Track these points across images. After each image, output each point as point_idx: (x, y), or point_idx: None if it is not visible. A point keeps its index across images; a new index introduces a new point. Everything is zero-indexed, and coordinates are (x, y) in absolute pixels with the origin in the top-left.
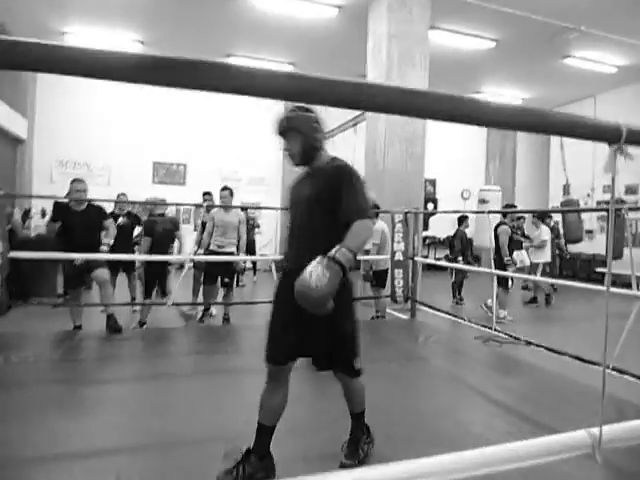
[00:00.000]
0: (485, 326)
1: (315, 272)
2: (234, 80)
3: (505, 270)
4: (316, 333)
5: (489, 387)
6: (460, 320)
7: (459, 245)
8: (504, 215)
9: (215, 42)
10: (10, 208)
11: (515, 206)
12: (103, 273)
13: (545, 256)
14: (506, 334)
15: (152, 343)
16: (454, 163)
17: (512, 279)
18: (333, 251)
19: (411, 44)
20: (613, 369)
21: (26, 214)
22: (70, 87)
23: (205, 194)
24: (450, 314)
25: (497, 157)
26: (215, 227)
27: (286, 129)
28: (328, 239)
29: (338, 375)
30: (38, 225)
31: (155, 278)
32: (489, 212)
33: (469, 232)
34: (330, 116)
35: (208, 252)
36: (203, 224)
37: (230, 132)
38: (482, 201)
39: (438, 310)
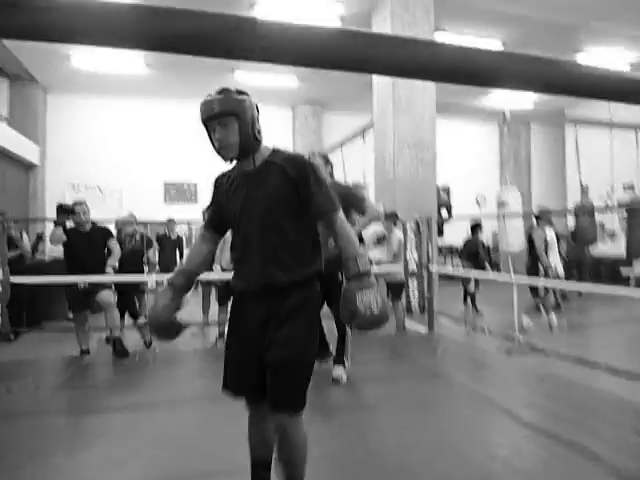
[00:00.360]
0: (508, 337)
1: (369, 299)
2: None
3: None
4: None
5: (515, 404)
6: (481, 331)
7: (469, 253)
8: (538, 219)
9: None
10: (16, 232)
11: (550, 212)
12: (108, 296)
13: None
14: (533, 345)
15: (159, 367)
16: (467, 169)
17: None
18: (358, 267)
19: None
20: None
21: (39, 238)
22: (79, 110)
23: None
24: (470, 325)
25: (511, 161)
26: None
27: (221, 113)
28: (299, 245)
29: (277, 416)
30: (52, 249)
31: (124, 300)
32: (504, 216)
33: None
34: (334, 125)
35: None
36: None
37: None
38: (501, 204)
39: (457, 321)
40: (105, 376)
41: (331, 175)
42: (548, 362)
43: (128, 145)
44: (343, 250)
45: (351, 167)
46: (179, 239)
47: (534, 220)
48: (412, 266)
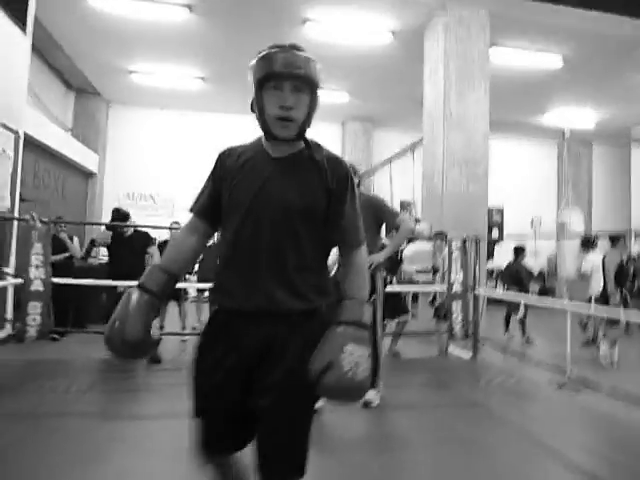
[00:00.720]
0: (559, 369)
1: (357, 357)
2: None
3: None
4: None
5: (565, 445)
6: (530, 361)
7: (511, 277)
8: (613, 241)
9: None
10: (64, 234)
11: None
12: None
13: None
14: (587, 380)
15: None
16: (522, 189)
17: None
18: (362, 314)
19: (469, 64)
20: None
21: (92, 243)
22: (137, 123)
23: None
24: (518, 353)
25: (570, 182)
26: None
27: (305, 77)
28: (317, 265)
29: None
30: (105, 254)
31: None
32: (563, 238)
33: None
34: (383, 142)
35: None
36: None
37: None
38: (561, 225)
39: (504, 349)
40: (135, 381)
41: (357, 186)
42: (604, 400)
43: (181, 156)
44: (351, 288)
45: (400, 184)
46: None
47: (608, 242)
48: (457, 287)
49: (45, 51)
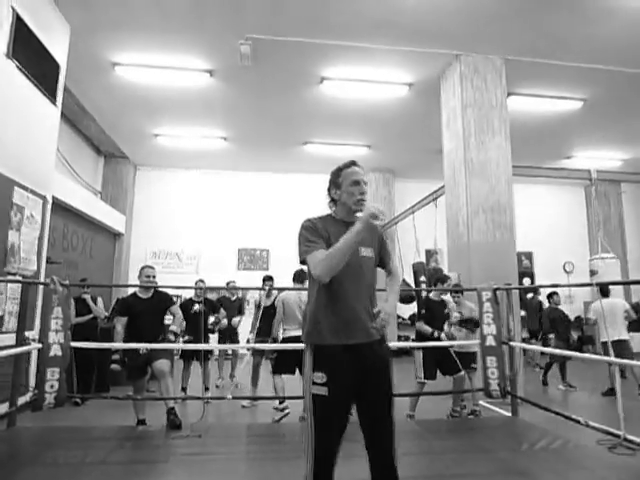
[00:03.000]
0: (610, 432)
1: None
2: None
3: None
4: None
5: None
6: (577, 419)
7: (548, 322)
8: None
9: (293, 132)
10: (87, 295)
11: None
12: (162, 364)
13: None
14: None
15: (208, 443)
16: (552, 235)
17: None
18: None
19: (487, 111)
20: None
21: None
22: (163, 183)
23: (266, 279)
24: (563, 415)
25: (601, 225)
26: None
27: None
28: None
29: None
30: None
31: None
32: (597, 284)
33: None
34: (405, 192)
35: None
36: (258, 307)
37: (311, 215)
38: (592, 272)
39: (546, 409)
40: (154, 450)
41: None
42: None
43: (205, 214)
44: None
45: (423, 233)
46: (238, 300)
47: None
48: (490, 341)
49: (76, 119)
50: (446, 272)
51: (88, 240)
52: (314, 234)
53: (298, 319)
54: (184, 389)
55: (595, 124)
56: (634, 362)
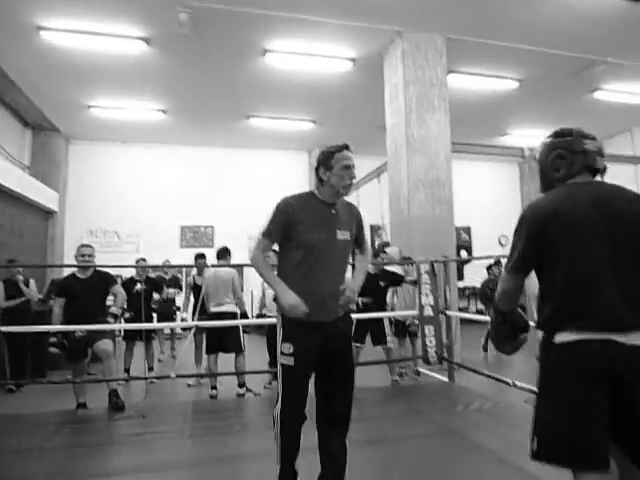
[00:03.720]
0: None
1: None
2: None
3: None
4: None
5: (549, 474)
6: (507, 380)
7: (484, 294)
8: None
9: (236, 105)
10: (20, 276)
11: None
12: (106, 344)
13: None
14: None
15: (153, 423)
16: (489, 209)
17: None
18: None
19: (428, 88)
20: None
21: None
22: (98, 158)
23: (198, 257)
24: (494, 377)
25: (531, 199)
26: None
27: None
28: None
29: None
30: None
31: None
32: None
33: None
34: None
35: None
36: (192, 286)
37: (256, 191)
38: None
39: (480, 373)
40: (98, 433)
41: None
42: None
43: (145, 190)
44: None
45: (368, 208)
46: (174, 278)
47: None
48: (428, 311)
49: None
50: (390, 248)
51: (17, 219)
52: (279, 224)
53: (226, 296)
54: (127, 370)
55: (530, 104)
56: None
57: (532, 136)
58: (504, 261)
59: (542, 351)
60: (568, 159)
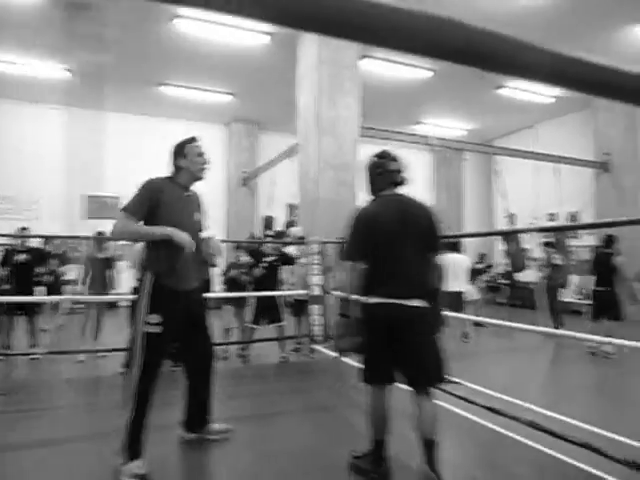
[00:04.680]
0: None
1: None
2: None
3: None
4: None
5: (405, 453)
6: None
7: None
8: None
9: (145, 70)
10: None
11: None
12: None
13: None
14: None
15: (31, 400)
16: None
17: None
18: None
19: (340, 71)
20: None
21: None
22: None
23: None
24: None
25: (444, 187)
26: None
27: None
28: None
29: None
30: None
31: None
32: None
33: None
34: (270, 145)
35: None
36: (89, 259)
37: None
38: None
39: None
40: None
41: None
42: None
43: (47, 155)
44: None
45: (286, 188)
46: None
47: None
48: (316, 291)
49: None
50: (294, 229)
51: None
52: (144, 202)
53: None
54: (8, 347)
55: (443, 95)
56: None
57: (445, 126)
58: None
59: (361, 309)
60: (382, 176)
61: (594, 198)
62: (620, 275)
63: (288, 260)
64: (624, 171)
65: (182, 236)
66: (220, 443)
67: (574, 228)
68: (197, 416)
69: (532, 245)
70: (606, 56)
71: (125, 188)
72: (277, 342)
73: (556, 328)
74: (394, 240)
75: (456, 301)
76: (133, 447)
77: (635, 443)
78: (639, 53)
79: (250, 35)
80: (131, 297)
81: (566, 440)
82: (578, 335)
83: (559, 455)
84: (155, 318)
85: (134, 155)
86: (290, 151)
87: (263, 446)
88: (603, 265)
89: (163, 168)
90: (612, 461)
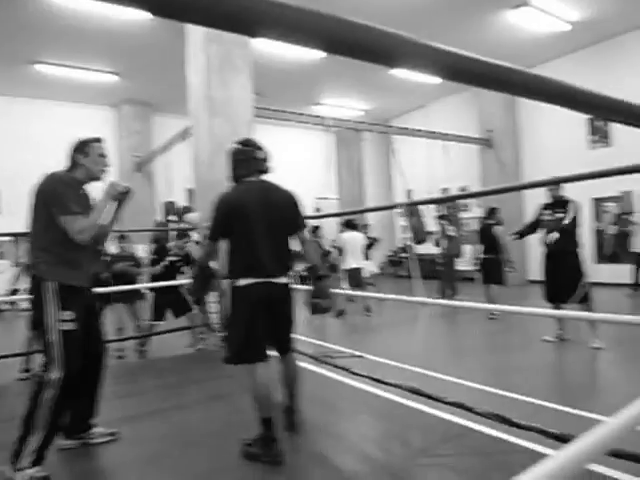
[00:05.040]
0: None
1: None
2: None
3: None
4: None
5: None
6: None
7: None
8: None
9: (15, 46)
10: None
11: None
12: None
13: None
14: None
15: None
16: (306, 176)
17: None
18: None
19: (231, 49)
20: None
21: None
22: None
23: None
24: None
25: (345, 167)
26: None
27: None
28: None
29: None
30: None
31: None
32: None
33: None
34: (166, 127)
35: None
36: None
37: (54, 148)
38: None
39: None
40: None
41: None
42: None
43: None
44: None
45: (183, 171)
46: None
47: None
48: None
49: None
50: (191, 214)
51: None
52: (74, 198)
53: None
54: None
55: (340, 75)
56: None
57: (343, 107)
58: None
59: (231, 291)
60: (248, 163)
61: (480, 173)
62: (500, 243)
63: (191, 262)
64: (505, 147)
65: (120, 184)
66: (104, 447)
67: (460, 198)
68: (79, 421)
69: (428, 219)
70: (482, 41)
71: (4, 178)
72: (190, 332)
73: (452, 296)
74: (258, 223)
75: (355, 277)
76: (40, 451)
77: (502, 392)
78: (512, 37)
79: (131, 9)
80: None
81: (441, 401)
82: (457, 304)
83: (442, 414)
84: (68, 315)
85: (7, 140)
86: (184, 134)
87: (150, 446)
88: (486, 235)
89: (49, 155)
90: (481, 416)
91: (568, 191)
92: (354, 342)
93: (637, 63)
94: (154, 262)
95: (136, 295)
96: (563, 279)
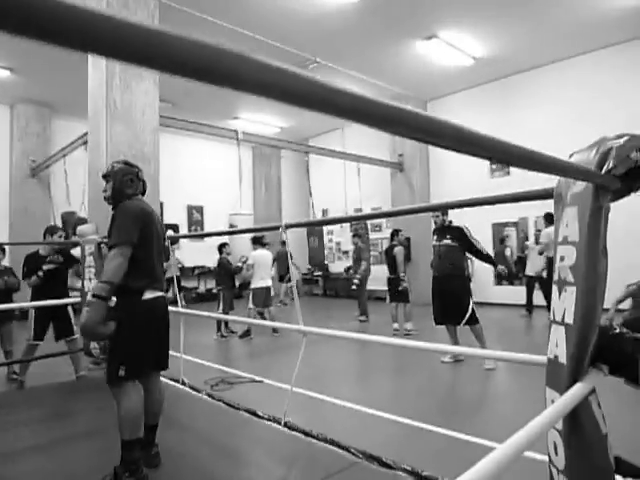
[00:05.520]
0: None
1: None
2: None
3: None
4: None
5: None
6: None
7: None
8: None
9: None
10: None
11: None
12: None
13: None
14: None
15: None
16: (223, 188)
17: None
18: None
19: None
20: None
21: None
22: None
23: None
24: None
25: (263, 182)
26: None
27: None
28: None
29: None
30: None
31: None
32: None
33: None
34: (69, 131)
35: None
36: None
37: None
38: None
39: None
40: None
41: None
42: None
43: None
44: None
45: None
46: None
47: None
48: (89, 297)
49: None
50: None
51: None
52: None
53: None
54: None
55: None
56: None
57: (261, 122)
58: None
59: (130, 305)
60: (135, 182)
61: (391, 195)
62: (397, 263)
63: (72, 262)
64: (414, 171)
65: None
66: None
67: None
68: None
69: (342, 239)
70: (397, 68)
71: None
72: (70, 359)
73: (362, 315)
74: (154, 237)
75: (265, 296)
76: None
77: (391, 416)
78: (424, 67)
79: None
80: None
81: (315, 438)
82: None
83: (328, 446)
84: None
85: None
86: (84, 139)
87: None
88: (389, 255)
89: None
90: (354, 456)
91: (470, 215)
92: (256, 366)
93: (535, 101)
94: (25, 275)
95: (8, 314)
96: (449, 302)
